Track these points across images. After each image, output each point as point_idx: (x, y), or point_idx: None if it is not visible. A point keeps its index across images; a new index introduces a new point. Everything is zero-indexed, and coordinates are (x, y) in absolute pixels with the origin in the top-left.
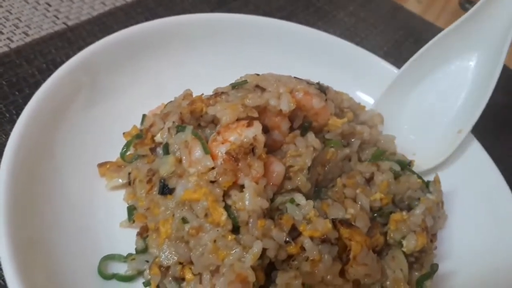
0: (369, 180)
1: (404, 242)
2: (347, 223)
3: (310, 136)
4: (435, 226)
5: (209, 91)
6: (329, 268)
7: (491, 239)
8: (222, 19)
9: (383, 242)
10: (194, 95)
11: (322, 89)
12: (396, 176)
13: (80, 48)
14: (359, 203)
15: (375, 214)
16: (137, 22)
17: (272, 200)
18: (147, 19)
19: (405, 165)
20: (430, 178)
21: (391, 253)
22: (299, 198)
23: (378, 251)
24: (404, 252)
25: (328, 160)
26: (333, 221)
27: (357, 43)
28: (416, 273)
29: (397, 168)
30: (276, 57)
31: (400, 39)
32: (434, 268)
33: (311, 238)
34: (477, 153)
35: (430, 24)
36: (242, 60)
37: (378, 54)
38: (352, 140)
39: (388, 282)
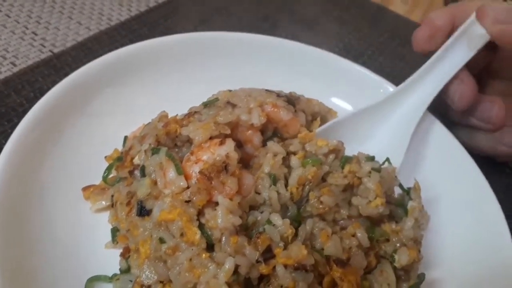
0: (345, 190)
1: (396, 257)
2: (342, 263)
3: (270, 143)
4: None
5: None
6: None
7: (476, 244)
8: (201, 38)
9: (376, 262)
10: (178, 114)
11: (291, 101)
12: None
13: (66, 74)
14: (358, 234)
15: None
16: (121, 45)
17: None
18: (131, 41)
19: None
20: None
21: (380, 267)
22: (275, 219)
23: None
24: (392, 265)
25: (310, 180)
26: (327, 258)
27: (341, 49)
28: (405, 285)
29: (377, 165)
30: (253, 71)
31: (385, 41)
32: (421, 277)
33: (285, 265)
34: (459, 155)
35: (416, 25)
36: (222, 75)
37: (362, 58)
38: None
39: None
